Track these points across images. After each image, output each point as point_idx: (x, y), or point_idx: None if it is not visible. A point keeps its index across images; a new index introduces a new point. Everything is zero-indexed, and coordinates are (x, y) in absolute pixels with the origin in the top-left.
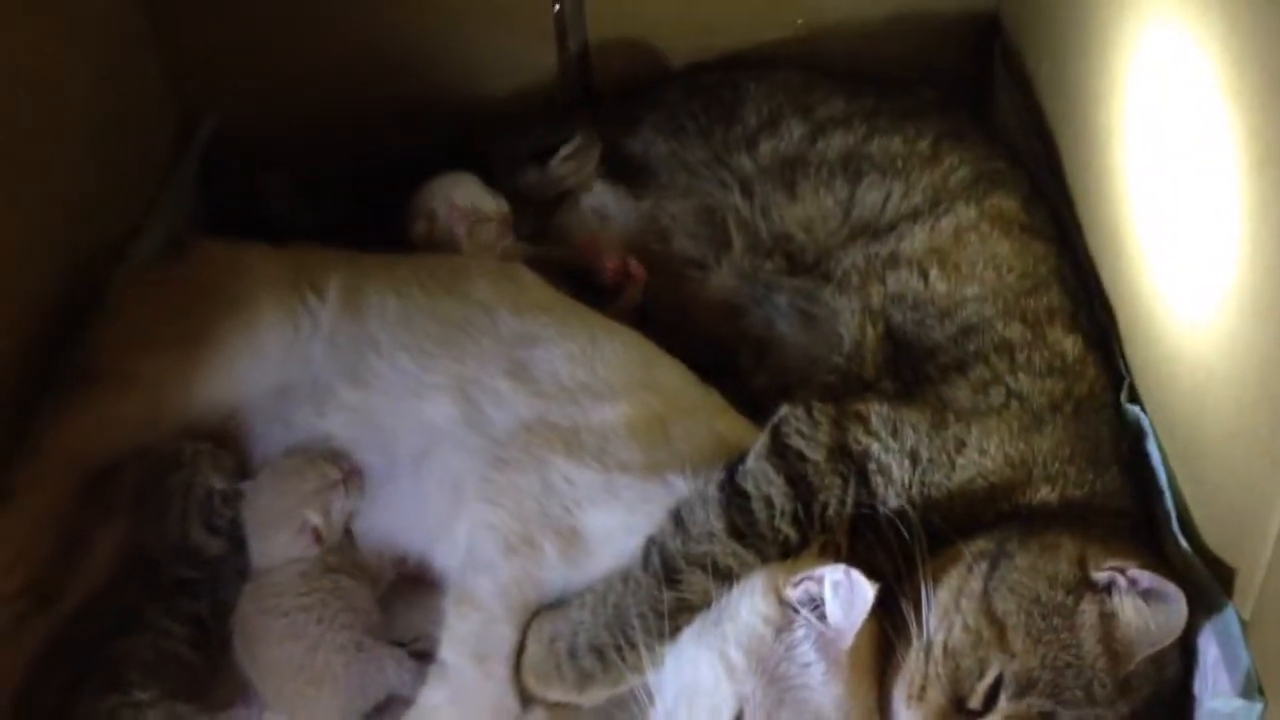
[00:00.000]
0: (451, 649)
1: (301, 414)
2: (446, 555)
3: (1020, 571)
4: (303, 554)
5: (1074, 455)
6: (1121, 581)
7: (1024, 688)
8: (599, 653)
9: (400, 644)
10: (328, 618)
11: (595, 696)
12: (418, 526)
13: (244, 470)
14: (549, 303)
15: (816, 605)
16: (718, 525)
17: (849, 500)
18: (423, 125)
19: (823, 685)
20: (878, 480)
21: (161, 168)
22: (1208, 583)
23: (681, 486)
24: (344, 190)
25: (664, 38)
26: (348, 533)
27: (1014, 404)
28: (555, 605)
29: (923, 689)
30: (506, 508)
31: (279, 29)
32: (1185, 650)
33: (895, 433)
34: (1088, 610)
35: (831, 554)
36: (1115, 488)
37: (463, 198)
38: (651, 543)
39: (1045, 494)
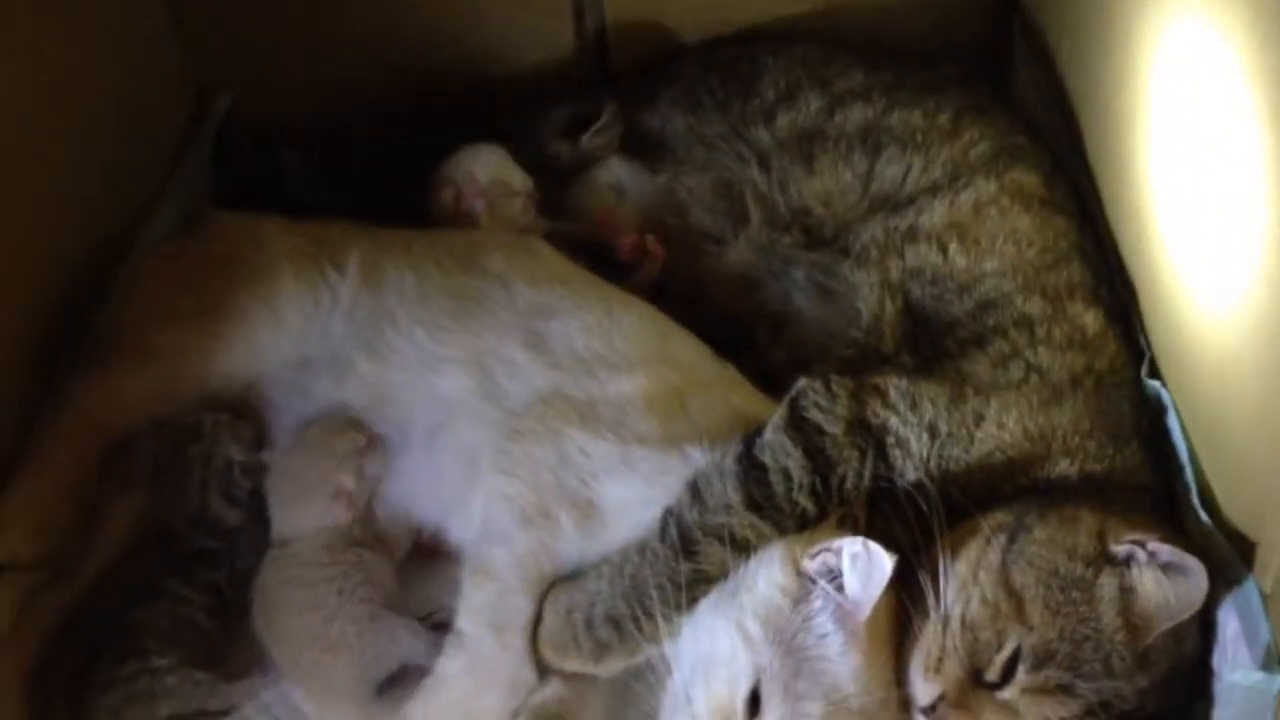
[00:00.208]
0: (468, 619)
1: (320, 386)
2: (462, 527)
3: (1039, 544)
4: (334, 522)
5: (1094, 429)
6: (1141, 555)
7: (1042, 660)
8: (616, 624)
9: (419, 619)
10: (348, 589)
11: (612, 667)
12: (433, 498)
13: (263, 441)
14: (565, 275)
15: (834, 577)
16: (735, 497)
17: (867, 473)
18: (440, 104)
19: (840, 656)
20: (896, 454)
21: (176, 147)
22: (1229, 556)
23: (698, 458)
24: (360, 169)
25: (681, 13)
26: (369, 505)
27: (1033, 378)
28: (572, 577)
29: (940, 661)
30: (522, 479)
31: (296, 7)
32: (1205, 624)
33: (914, 406)
34: (1106, 583)
35: (849, 527)
36: (1135, 463)
37: (485, 170)
38: (669, 514)
39: (1064, 468)
